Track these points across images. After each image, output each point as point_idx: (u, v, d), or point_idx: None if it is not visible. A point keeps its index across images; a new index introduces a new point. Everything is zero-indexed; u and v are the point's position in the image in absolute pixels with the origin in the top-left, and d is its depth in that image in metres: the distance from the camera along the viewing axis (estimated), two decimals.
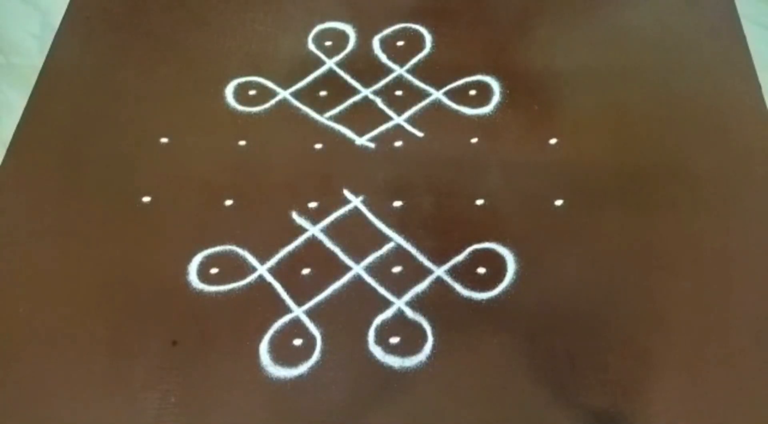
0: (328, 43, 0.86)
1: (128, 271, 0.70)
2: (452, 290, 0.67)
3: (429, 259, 0.69)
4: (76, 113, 0.81)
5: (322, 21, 0.88)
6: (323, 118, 0.80)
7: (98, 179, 0.76)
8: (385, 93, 0.81)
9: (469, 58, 0.84)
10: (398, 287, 0.68)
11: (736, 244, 0.69)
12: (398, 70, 0.83)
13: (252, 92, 0.82)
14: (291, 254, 0.70)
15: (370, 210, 0.73)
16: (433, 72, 0.83)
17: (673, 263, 0.68)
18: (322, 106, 0.81)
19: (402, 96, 0.81)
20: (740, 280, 0.66)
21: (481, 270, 0.68)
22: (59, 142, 0.79)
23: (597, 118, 0.78)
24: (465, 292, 0.67)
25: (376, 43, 0.86)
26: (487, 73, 0.82)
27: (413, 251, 0.70)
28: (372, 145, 0.78)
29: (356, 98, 0.81)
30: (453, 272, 0.68)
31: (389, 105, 0.80)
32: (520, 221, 0.71)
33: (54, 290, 0.69)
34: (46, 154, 0.78)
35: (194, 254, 0.70)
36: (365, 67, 0.84)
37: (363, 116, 0.80)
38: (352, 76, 0.83)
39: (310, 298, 0.67)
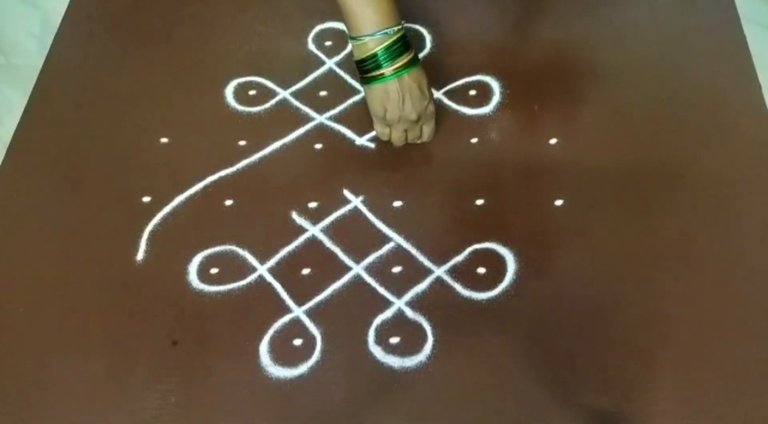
0: (328, 43, 0.86)
1: (128, 271, 0.70)
2: (452, 290, 0.67)
3: (429, 259, 0.69)
4: (76, 113, 0.82)
5: (322, 21, 0.88)
6: (323, 118, 0.80)
7: (98, 179, 0.76)
8: None
9: (469, 58, 0.84)
10: (398, 287, 0.68)
11: (735, 244, 0.69)
12: None
13: (252, 92, 0.82)
14: (291, 254, 0.70)
15: (370, 210, 0.73)
16: (433, 72, 0.82)
17: (673, 263, 0.68)
18: (322, 106, 0.81)
19: None
20: (739, 280, 0.66)
21: (481, 270, 0.68)
22: (59, 142, 0.79)
23: (597, 118, 0.78)
24: (465, 292, 0.67)
25: None
26: (487, 73, 0.82)
27: (413, 251, 0.70)
28: (372, 145, 0.78)
29: (356, 98, 0.81)
30: (453, 272, 0.68)
31: None
32: (520, 221, 0.71)
33: (54, 290, 0.69)
34: (46, 154, 0.78)
35: (194, 254, 0.70)
36: None
37: (363, 116, 0.79)
38: (352, 76, 0.83)
39: (310, 298, 0.67)
